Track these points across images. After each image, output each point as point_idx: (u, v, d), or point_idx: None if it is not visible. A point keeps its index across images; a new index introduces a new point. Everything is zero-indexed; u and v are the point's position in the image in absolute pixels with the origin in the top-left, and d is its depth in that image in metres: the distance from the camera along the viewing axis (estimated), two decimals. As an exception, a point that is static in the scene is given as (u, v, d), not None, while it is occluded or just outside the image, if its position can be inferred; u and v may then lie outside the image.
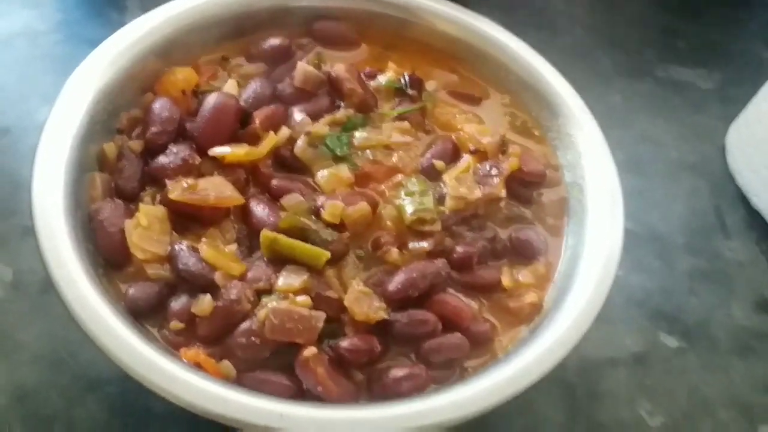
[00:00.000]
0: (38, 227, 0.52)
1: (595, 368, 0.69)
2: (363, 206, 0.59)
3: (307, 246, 0.55)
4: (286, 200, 0.59)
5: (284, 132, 0.62)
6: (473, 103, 0.72)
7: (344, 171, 0.61)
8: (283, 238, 0.55)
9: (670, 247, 0.80)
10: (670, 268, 0.78)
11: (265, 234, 0.56)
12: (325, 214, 0.58)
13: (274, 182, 0.61)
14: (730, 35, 1.04)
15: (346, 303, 0.54)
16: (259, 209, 0.58)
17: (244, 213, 0.59)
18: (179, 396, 0.47)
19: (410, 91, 0.68)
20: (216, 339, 0.54)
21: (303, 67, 0.66)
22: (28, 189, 0.54)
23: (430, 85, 0.70)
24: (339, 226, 0.58)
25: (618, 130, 0.67)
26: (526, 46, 0.72)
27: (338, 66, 0.67)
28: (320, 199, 0.59)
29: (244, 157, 0.60)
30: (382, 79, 0.69)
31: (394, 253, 0.58)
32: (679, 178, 0.87)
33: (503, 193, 0.62)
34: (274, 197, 0.60)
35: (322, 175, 0.61)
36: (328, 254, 0.55)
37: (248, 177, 0.61)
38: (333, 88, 0.67)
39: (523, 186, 0.65)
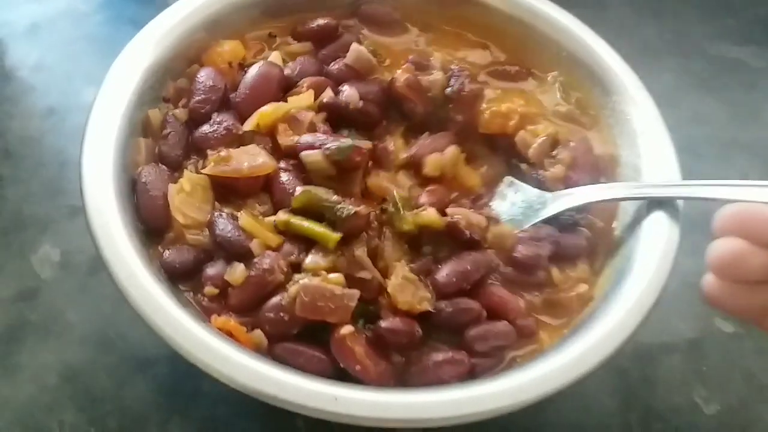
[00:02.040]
0: (88, 206, 0.52)
1: (650, 354, 0.67)
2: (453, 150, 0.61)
3: (315, 229, 0.53)
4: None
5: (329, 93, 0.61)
6: (519, 79, 0.70)
7: None
8: (294, 221, 0.54)
9: (724, 230, 0.77)
10: (724, 252, 0.75)
11: (278, 218, 0.55)
12: (428, 169, 0.60)
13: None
14: (782, 11, 1.00)
15: (389, 290, 0.52)
16: (280, 186, 0.57)
17: (270, 187, 0.58)
18: (233, 378, 0.47)
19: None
20: (247, 309, 0.52)
21: (357, 48, 0.64)
22: (75, 169, 0.54)
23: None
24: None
25: (668, 110, 0.65)
26: (576, 19, 0.69)
27: (402, 76, 0.63)
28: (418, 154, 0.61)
29: (274, 114, 0.59)
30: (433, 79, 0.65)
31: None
32: (732, 159, 0.84)
33: None
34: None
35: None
36: (336, 237, 0.53)
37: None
38: (391, 98, 0.64)
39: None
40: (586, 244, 0.61)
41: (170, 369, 0.61)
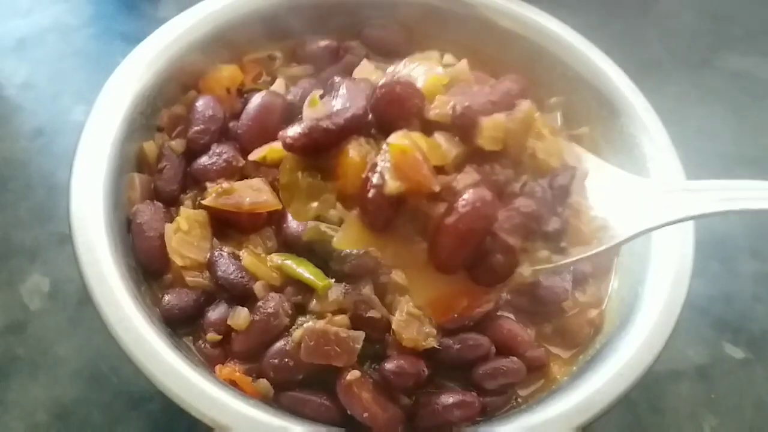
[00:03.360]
0: (77, 242, 0.50)
1: (657, 382, 0.65)
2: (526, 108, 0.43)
3: (305, 275, 0.51)
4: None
5: None
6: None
7: None
8: (286, 266, 0.52)
9: (732, 251, 0.76)
10: (733, 274, 0.74)
11: (272, 263, 0.53)
12: (483, 139, 0.40)
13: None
14: (789, 19, 0.98)
15: (393, 326, 0.50)
16: (292, 222, 0.54)
17: (278, 222, 0.55)
18: (229, 427, 0.45)
19: None
20: (252, 355, 0.51)
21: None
22: (65, 194, 0.52)
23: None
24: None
25: (673, 124, 0.64)
26: (583, 38, 0.67)
27: None
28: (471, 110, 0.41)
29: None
30: None
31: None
32: (739, 175, 0.81)
33: None
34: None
35: None
36: (326, 284, 0.51)
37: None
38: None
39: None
40: (591, 270, 0.59)
41: (165, 405, 0.59)
